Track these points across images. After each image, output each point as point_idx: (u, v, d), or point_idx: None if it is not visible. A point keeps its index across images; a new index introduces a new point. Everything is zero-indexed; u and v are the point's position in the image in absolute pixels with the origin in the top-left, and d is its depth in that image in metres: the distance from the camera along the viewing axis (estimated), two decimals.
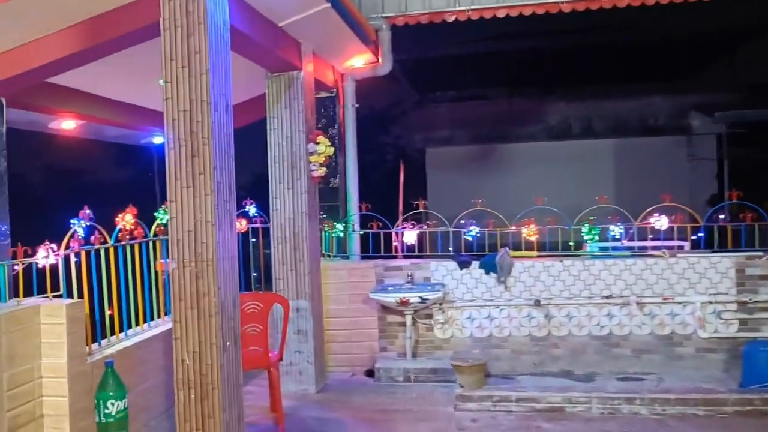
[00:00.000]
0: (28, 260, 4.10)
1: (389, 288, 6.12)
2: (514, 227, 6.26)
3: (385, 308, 6.16)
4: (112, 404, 3.83)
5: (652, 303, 5.89)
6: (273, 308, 4.92)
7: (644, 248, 6.22)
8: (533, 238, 6.21)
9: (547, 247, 6.27)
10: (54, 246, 4.19)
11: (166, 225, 4.46)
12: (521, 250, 6.27)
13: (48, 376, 4.07)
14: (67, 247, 4.31)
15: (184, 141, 3.76)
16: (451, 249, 6.38)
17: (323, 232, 6.61)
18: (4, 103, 4.30)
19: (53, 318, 4.05)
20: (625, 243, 6.20)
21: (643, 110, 11.50)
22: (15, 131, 5.56)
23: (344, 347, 6.36)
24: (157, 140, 7.19)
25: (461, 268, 6.17)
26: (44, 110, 5.40)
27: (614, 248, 6.24)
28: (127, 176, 7.70)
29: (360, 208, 6.74)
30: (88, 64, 4.63)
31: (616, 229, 6.13)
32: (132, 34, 3.96)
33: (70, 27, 3.97)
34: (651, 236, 6.27)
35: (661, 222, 6.02)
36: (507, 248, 6.16)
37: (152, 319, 5.35)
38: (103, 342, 4.66)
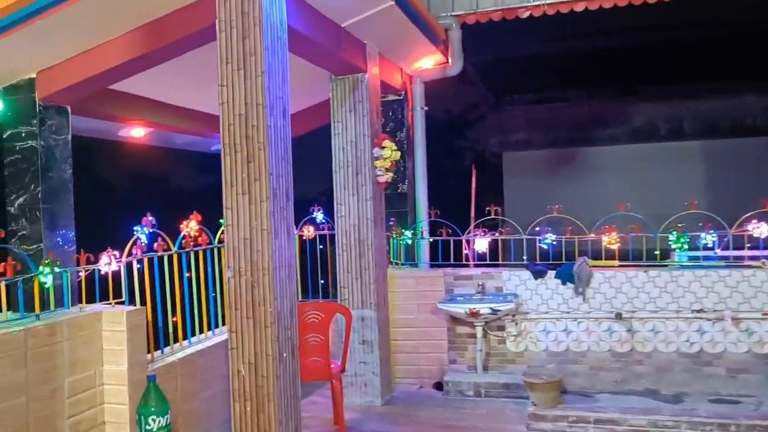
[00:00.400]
0: (90, 267, 4.11)
1: (458, 298, 5.85)
2: (593, 235, 5.85)
3: (455, 319, 5.89)
4: (154, 420, 3.74)
5: (750, 318, 5.35)
6: (335, 318, 4.76)
7: (740, 258, 5.67)
8: (614, 247, 5.78)
9: (630, 257, 5.82)
10: (116, 253, 4.19)
11: None
12: (601, 260, 5.85)
13: (110, 383, 4.06)
14: (129, 254, 4.31)
15: (240, 146, 3.66)
16: (525, 257, 6.04)
17: (391, 240, 6.43)
18: (69, 110, 4.36)
19: (114, 325, 4.04)
20: (719, 252, 5.67)
21: (735, 109, 10.66)
22: (85, 139, 5.68)
23: (412, 358, 6.13)
24: None
25: (536, 278, 5.82)
26: (115, 118, 5.49)
27: (705, 258, 5.71)
28: (197, 183, 7.78)
29: (429, 215, 6.50)
30: (157, 72, 4.66)
31: (708, 237, 5.61)
32: (190, 38, 3.91)
33: (129, 32, 3.96)
34: (749, 245, 5.70)
35: (760, 229, 5.47)
36: (585, 257, 5.77)
37: (216, 326, 5.31)
38: (167, 349, 4.64)
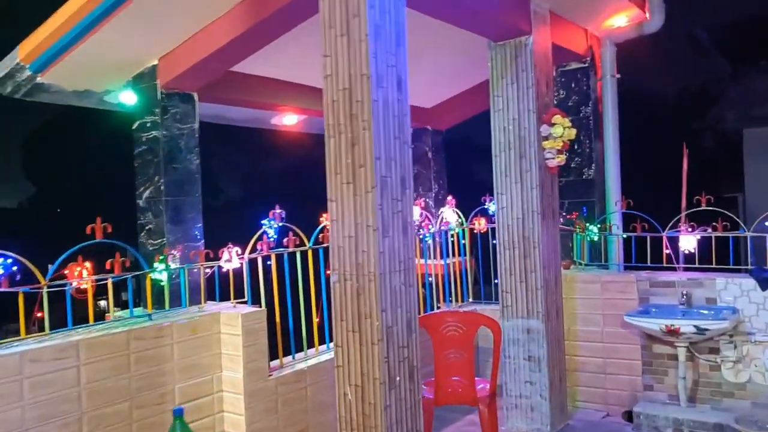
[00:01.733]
0: (209, 264, 3.84)
1: (653, 310, 4.67)
2: None
3: (652, 335, 4.73)
4: None
5: None
6: (481, 332, 3.97)
7: None
8: None
9: None
10: (238, 249, 3.88)
11: None
12: None
13: (228, 390, 3.76)
14: (254, 249, 3.97)
15: (344, 127, 3.07)
16: (751, 261, 4.65)
17: (574, 236, 5.41)
18: (196, 98, 4.14)
19: (231, 327, 3.72)
20: None
21: None
22: (234, 128, 5.54)
23: (595, 379, 5.08)
24: None
25: (763, 289, 4.43)
26: (266, 106, 5.24)
27: None
28: None
29: (621, 206, 5.35)
30: (295, 51, 4.29)
31: None
32: (294, 3, 3.40)
33: (236, 6, 3.58)
34: None
35: None
36: None
37: None
38: (299, 355, 4.25)
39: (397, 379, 3.08)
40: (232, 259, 3.82)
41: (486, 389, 3.90)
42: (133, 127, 4.08)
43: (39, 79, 3.85)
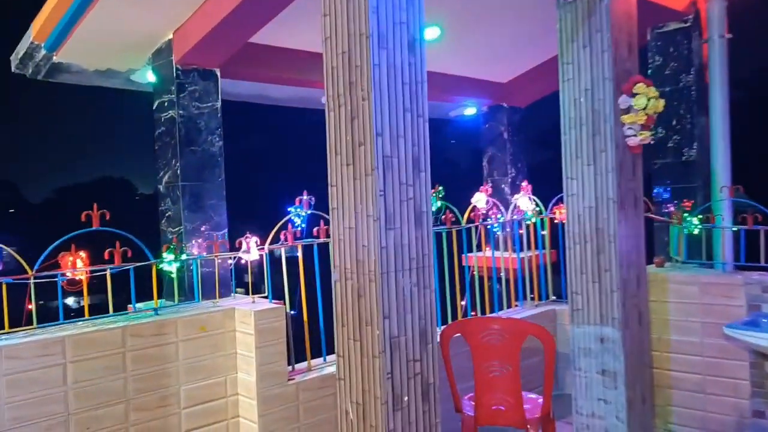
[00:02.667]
0: (224, 255, 3.51)
1: (764, 321, 3.81)
2: None
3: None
4: None
5: None
6: (532, 342, 3.35)
7: None
8: None
9: None
10: (257, 239, 3.52)
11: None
12: None
13: (243, 394, 3.43)
14: (276, 240, 3.59)
15: (343, 98, 2.59)
16: None
17: (672, 228, 4.60)
18: (218, 74, 3.80)
19: (246, 326, 3.38)
20: None
21: None
22: (279, 109, 5.18)
23: (693, 400, 4.28)
24: (469, 112, 6.11)
25: None
26: (312, 84, 4.83)
27: None
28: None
29: (729, 193, 4.46)
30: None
31: None
32: None
33: None
34: None
35: None
36: None
37: None
38: (330, 357, 3.85)
39: (405, 399, 2.57)
40: (250, 249, 3.47)
41: (537, 409, 3.28)
42: (154, 108, 3.83)
43: (55, 59, 3.69)
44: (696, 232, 4.49)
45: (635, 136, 3.82)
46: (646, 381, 4.06)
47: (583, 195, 3.93)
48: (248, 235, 3.50)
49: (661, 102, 3.79)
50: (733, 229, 4.51)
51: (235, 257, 3.55)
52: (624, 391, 3.84)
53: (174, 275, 3.36)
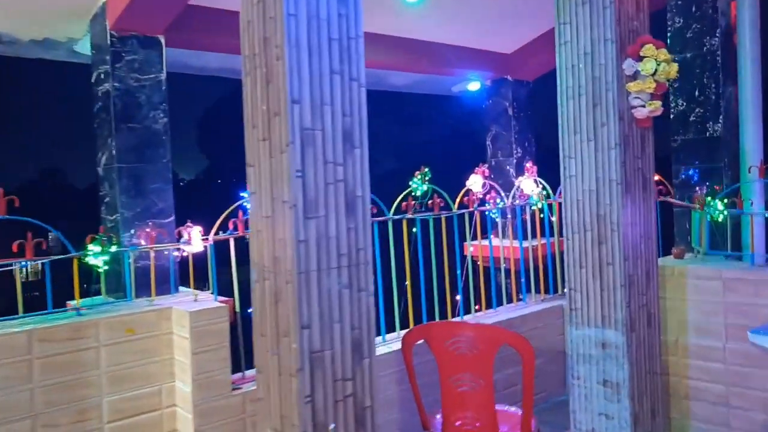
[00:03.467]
0: (162, 246, 3.09)
1: None
2: None
3: None
4: None
5: None
6: (507, 352, 2.84)
7: None
8: None
9: None
10: (200, 228, 3.09)
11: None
12: None
13: (180, 405, 3.01)
14: (222, 229, 3.16)
15: (259, 58, 2.12)
16: None
17: (693, 214, 4.02)
18: (162, 42, 3.36)
19: (183, 328, 2.95)
20: None
21: None
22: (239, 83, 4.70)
23: (715, 413, 3.72)
24: (473, 87, 5.55)
25: None
26: None
27: None
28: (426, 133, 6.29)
29: (762, 173, 3.85)
30: None
31: None
32: None
33: None
34: None
35: None
36: None
37: (392, 330, 3.87)
38: None
39: (331, 426, 2.11)
40: (191, 240, 3.04)
41: (516, 429, 2.79)
42: (92, 81, 3.41)
43: None
44: (720, 218, 3.90)
45: (643, 106, 3.25)
46: (657, 392, 3.51)
47: (582, 176, 3.38)
48: (189, 224, 3.07)
49: (674, 66, 3.21)
50: (766, 215, 3.90)
51: (176, 249, 3.13)
52: (628, 405, 3.30)
53: (101, 270, 2.95)
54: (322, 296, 2.08)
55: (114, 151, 3.21)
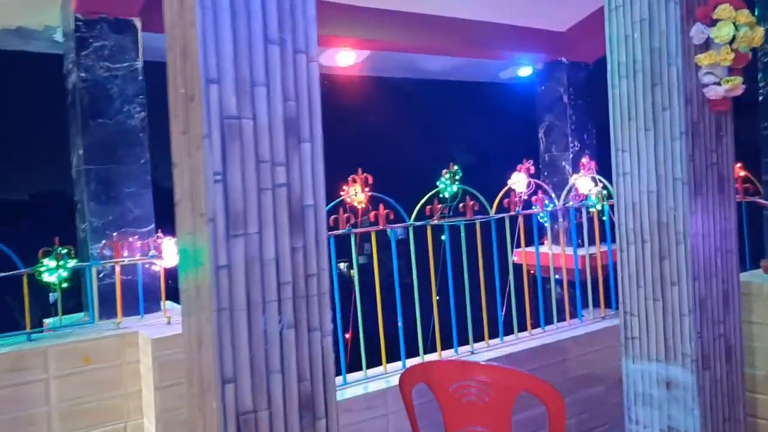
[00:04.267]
0: (127, 260, 2.67)
1: None
2: None
3: None
4: None
5: None
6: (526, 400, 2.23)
7: None
8: None
9: None
10: (170, 238, 2.66)
11: None
12: None
13: None
14: None
15: (179, 27, 1.64)
16: None
17: None
18: (137, 26, 2.94)
19: (147, 356, 2.52)
20: None
21: None
22: None
23: None
24: (524, 72, 4.88)
25: None
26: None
27: None
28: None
29: None
30: None
31: None
32: None
33: None
34: None
35: None
36: None
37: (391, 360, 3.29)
38: None
39: None
40: (162, 254, 2.61)
41: None
42: (64, 73, 3.05)
43: None
44: None
45: (718, 84, 2.55)
46: None
47: (639, 174, 2.72)
48: (160, 234, 2.65)
49: (759, 31, 2.50)
50: None
51: (148, 263, 2.71)
52: None
53: (57, 288, 2.56)
54: (255, 339, 1.57)
55: (81, 151, 2.84)
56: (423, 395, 2.39)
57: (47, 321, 2.85)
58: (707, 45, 2.54)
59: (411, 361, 3.28)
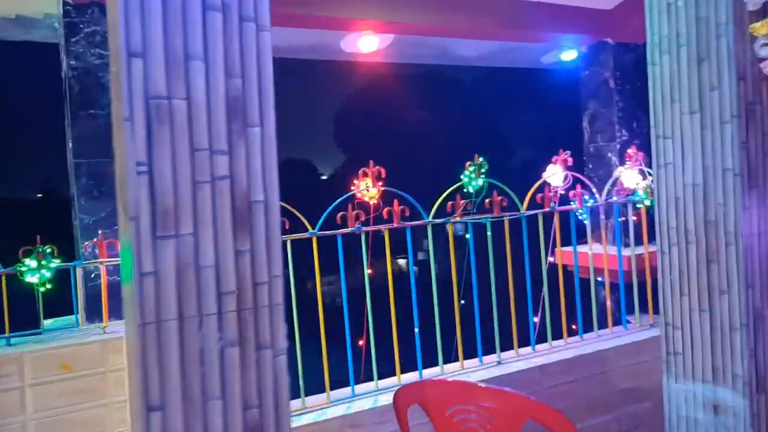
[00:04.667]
0: (113, 261, 2.50)
1: None
2: None
3: None
4: None
5: None
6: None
7: None
8: None
9: None
10: None
11: None
12: None
13: None
14: None
15: None
16: None
17: None
18: None
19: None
20: None
21: None
22: (290, 62, 4.04)
23: None
24: (568, 56, 4.48)
25: None
26: (326, 23, 3.64)
27: None
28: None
29: None
30: None
31: None
32: None
33: None
34: None
35: None
36: None
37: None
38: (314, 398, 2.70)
39: None
40: None
41: None
42: (60, 62, 2.90)
43: None
44: None
45: None
46: None
47: (683, 164, 2.35)
48: None
49: None
50: None
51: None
52: None
53: (39, 289, 2.41)
54: (188, 359, 1.33)
55: (71, 144, 2.68)
56: (422, 415, 2.12)
57: (47, 322, 2.72)
58: (765, 11, 2.15)
59: (428, 373, 3.01)
